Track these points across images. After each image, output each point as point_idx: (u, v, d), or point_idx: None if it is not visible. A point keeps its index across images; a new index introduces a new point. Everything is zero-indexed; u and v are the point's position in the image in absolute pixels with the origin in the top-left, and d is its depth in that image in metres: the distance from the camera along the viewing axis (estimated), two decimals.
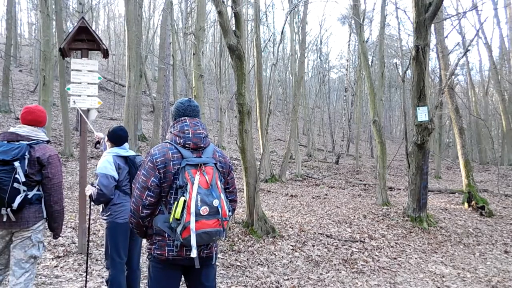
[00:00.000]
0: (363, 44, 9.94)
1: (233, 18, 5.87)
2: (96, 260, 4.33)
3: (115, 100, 21.24)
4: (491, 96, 24.62)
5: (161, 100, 15.39)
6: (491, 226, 7.18)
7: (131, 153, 3.11)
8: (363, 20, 10.52)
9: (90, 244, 4.82)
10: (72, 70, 4.58)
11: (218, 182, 1.93)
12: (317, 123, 27.15)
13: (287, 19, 12.13)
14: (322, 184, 12.35)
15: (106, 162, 2.97)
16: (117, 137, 3.13)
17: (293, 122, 13.55)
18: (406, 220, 7.00)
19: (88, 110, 4.62)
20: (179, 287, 2.08)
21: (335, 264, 4.80)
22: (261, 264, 4.62)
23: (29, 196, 2.53)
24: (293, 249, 5.22)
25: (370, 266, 4.82)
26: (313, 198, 9.70)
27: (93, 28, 5.37)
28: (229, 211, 1.97)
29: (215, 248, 2.09)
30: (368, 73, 9.56)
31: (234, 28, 5.54)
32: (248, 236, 5.59)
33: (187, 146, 1.99)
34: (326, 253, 5.19)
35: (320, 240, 5.76)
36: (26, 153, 2.49)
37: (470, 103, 20.95)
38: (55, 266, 4.03)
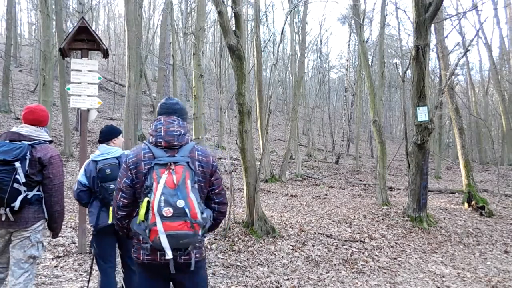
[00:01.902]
0: (363, 44, 9.95)
1: (233, 18, 5.87)
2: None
3: (115, 100, 21.24)
4: (491, 96, 24.63)
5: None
6: (491, 226, 7.18)
7: (104, 156, 2.97)
8: (363, 20, 10.52)
9: None
10: (72, 70, 4.58)
11: (188, 182, 1.80)
12: (317, 123, 27.15)
13: (287, 19, 12.13)
14: (322, 184, 12.35)
15: (82, 167, 3.02)
16: (100, 133, 3.09)
17: (293, 122, 13.55)
18: (406, 220, 7.00)
19: (88, 110, 4.62)
20: None
21: (335, 264, 4.80)
22: (261, 264, 4.61)
23: (29, 197, 2.51)
24: (293, 249, 5.22)
25: (370, 266, 4.82)
26: (313, 198, 9.71)
27: (93, 28, 5.37)
28: (202, 212, 1.81)
29: (197, 254, 1.94)
30: (368, 73, 9.56)
31: (234, 28, 5.54)
32: (248, 236, 5.59)
33: (159, 144, 1.92)
34: (326, 253, 5.19)
35: (320, 240, 5.76)
36: (28, 154, 2.48)
37: (470, 103, 20.95)
38: (55, 266, 4.03)
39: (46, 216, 2.67)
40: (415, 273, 4.70)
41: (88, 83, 4.60)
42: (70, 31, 4.95)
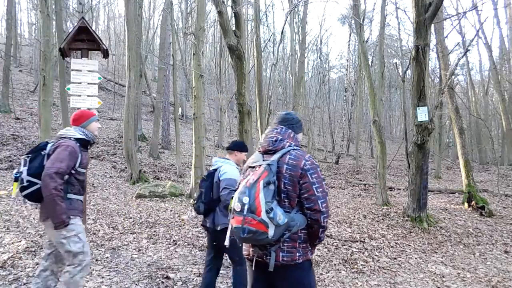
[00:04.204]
0: (363, 44, 9.95)
1: (233, 18, 5.88)
2: (96, 260, 4.32)
3: (115, 100, 21.23)
4: (491, 96, 24.60)
5: (161, 100, 15.39)
6: (491, 226, 7.18)
7: (213, 166, 3.24)
8: (363, 20, 10.52)
9: (90, 244, 4.81)
10: (72, 70, 4.58)
11: (261, 182, 1.89)
12: (317, 123, 27.13)
13: (287, 19, 12.14)
14: None
15: None
16: (231, 142, 3.42)
17: None
18: (406, 220, 7.00)
19: (88, 110, 4.62)
20: None
21: (335, 264, 4.80)
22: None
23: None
24: None
25: (370, 266, 4.81)
26: None
27: (93, 28, 5.37)
28: (267, 211, 1.84)
29: (285, 258, 1.97)
30: (368, 73, 9.56)
31: (234, 28, 5.55)
32: None
33: (259, 150, 2.16)
34: (326, 253, 5.19)
35: None
36: (44, 149, 2.60)
37: (470, 103, 20.94)
38: None
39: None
40: (415, 273, 4.70)
41: (88, 83, 4.59)
42: (70, 31, 4.94)
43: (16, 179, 2.58)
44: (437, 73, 15.02)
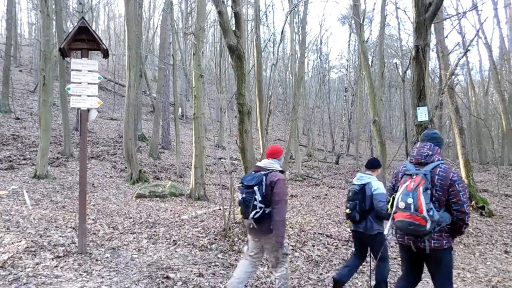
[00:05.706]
0: (363, 44, 9.95)
1: (233, 18, 5.87)
2: (96, 260, 4.32)
3: (115, 100, 21.24)
4: (491, 96, 24.59)
5: (161, 100, 15.39)
6: (491, 226, 7.18)
7: (357, 181, 3.91)
8: (363, 20, 10.52)
9: (90, 244, 4.81)
10: (72, 70, 4.57)
11: (420, 188, 2.55)
12: (317, 123, 27.13)
13: (287, 19, 12.14)
14: (322, 184, 12.35)
15: None
16: (368, 161, 4.06)
17: (293, 122, 13.55)
18: None
19: (88, 110, 4.62)
20: (409, 266, 2.98)
21: (335, 264, 4.80)
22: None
23: (266, 212, 3.20)
24: (293, 249, 5.21)
25: (370, 266, 4.81)
26: (313, 198, 9.70)
27: (93, 28, 5.37)
28: (428, 211, 2.48)
29: (436, 244, 2.63)
30: (368, 73, 9.57)
31: (234, 28, 5.54)
32: (248, 236, 5.57)
33: (411, 161, 2.81)
34: (326, 253, 5.19)
35: (320, 240, 5.76)
36: (263, 180, 3.22)
37: (470, 103, 20.94)
38: (55, 266, 4.02)
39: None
40: None
41: (88, 83, 4.59)
42: (70, 31, 4.94)
43: (239, 204, 3.29)
44: (437, 73, 15.02)
